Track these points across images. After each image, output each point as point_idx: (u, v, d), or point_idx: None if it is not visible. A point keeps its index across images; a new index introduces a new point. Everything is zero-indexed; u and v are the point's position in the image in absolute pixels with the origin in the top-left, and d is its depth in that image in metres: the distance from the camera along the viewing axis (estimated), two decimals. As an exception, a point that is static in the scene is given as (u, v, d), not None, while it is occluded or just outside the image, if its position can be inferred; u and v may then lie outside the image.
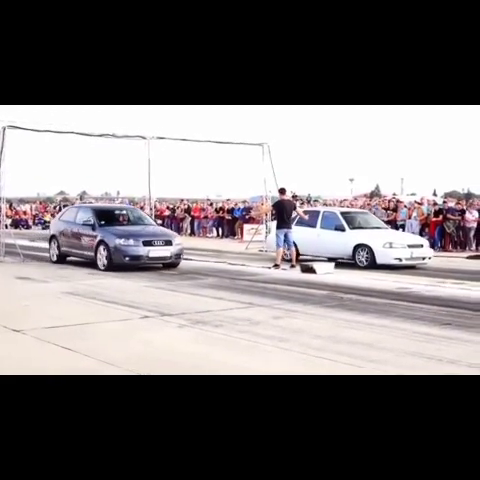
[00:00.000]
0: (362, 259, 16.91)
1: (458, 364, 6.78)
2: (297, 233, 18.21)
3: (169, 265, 16.04)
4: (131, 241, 15.51)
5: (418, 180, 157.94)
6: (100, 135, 20.69)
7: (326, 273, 15.17)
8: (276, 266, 16.55)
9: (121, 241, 15.48)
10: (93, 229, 16.27)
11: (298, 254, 18.32)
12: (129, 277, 14.25)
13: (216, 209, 33.29)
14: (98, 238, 15.92)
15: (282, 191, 17.84)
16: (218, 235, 32.37)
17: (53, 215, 42.71)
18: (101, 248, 15.74)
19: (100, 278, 14.21)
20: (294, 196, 33.92)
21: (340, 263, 17.27)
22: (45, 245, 23.98)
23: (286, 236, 17.00)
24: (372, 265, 16.57)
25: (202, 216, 33.75)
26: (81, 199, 51.26)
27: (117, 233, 15.90)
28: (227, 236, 31.55)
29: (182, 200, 37.32)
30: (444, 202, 26.14)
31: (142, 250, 15.48)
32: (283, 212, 17.06)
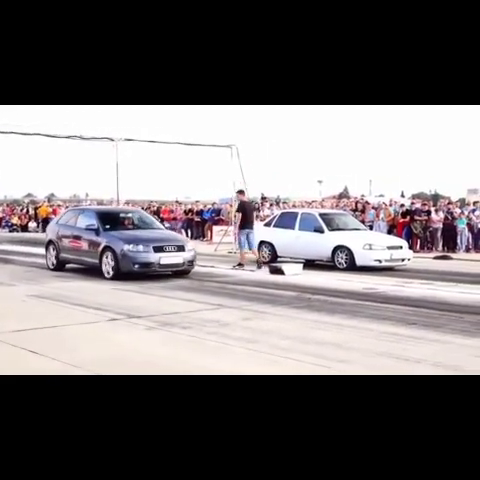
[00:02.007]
0: (341, 261, 16.72)
1: (424, 363, 6.85)
2: (275, 235, 18.29)
3: (181, 273, 14.95)
4: (140, 247, 14.28)
5: (386, 182, 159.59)
6: (67, 137, 20.57)
7: (294, 274, 15.22)
8: (240, 265, 16.83)
9: (129, 247, 14.22)
10: (97, 234, 14.99)
11: (276, 256, 18.38)
12: (97, 280, 14.16)
13: (185, 211, 33.23)
14: (103, 244, 14.66)
15: (242, 192, 18.21)
16: (187, 237, 32.26)
17: (20, 218, 42.40)
18: (107, 255, 14.49)
19: (68, 281, 14.11)
20: (263, 198, 34.10)
21: (319, 265, 17.33)
22: (11, 248, 23.82)
23: (248, 237, 17.28)
24: (351, 267, 16.41)
25: (171, 218, 33.65)
26: (49, 201, 50.66)
27: (125, 238, 14.61)
28: (196, 238, 31.49)
29: (151, 202, 37.20)
30: (412, 203, 26.39)
31: (153, 257, 14.30)
32: (246, 213, 17.37)
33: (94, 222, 15.29)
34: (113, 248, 14.40)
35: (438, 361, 6.92)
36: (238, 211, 17.84)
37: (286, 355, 7.22)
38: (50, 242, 16.66)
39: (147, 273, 14.41)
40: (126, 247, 14.24)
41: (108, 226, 15.26)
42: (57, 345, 7.70)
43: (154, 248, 14.38)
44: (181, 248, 14.84)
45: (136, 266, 14.22)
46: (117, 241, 14.52)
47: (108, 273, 14.37)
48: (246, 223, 17.31)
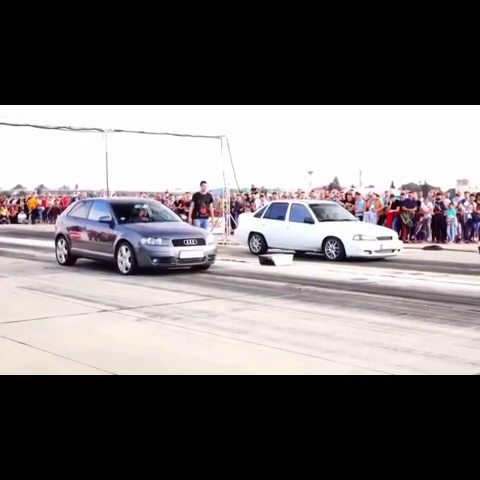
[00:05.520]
0: (332, 251, 16.71)
1: (414, 353, 6.88)
2: (265, 226, 18.41)
3: (201, 268, 14.22)
4: (159, 240, 13.52)
5: (376, 172, 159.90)
6: (57, 128, 20.50)
7: (285, 265, 15.25)
8: None
9: (147, 240, 13.46)
10: (111, 227, 14.14)
11: (266, 247, 18.43)
12: (87, 271, 14.13)
13: (175, 202, 33.18)
14: (118, 237, 13.83)
15: (201, 183, 19.06)
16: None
17: (10, 209, 42.22)
18: (123, 249, 13.67)
19: (57, 272, 14.05)
20: (253, 189, 34.04)
21: (309, 256, 17.35)
22: (1, 239, 23.73)
23: (202, 226, 17.95)
24: (342, 257, 16.42)
25: (161, 209, 33.53)
26: (38, 193, 50.48)
27: (142, 231, 13.85)
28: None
29: (141, 193, 37.14)
30: (402, 194, 26.43)
31: (172, 251, 13.53)
32: (199, 203, 18.63)
33: (108, 214, 14.45)
34: (130, 242, 13.64)
35: (427, 351, 6.95)
36: (192, 198, 19.49)
37: (276, 346, 7.22)
38: (60, 235, 15.76)
39: (166, 268, 13.79)
40: (144, 240, 13.51)
41: (123, 218, 14.49)
42: (47, 336, 7.68)
43: (173, 241, 13.66)
44: (201, 241, 14.11)
45: (154, 261, 13.50)
46: (134, 234, 13.77)
47: (125, 268, 13.64)
48: (197, 213, 18.59)
